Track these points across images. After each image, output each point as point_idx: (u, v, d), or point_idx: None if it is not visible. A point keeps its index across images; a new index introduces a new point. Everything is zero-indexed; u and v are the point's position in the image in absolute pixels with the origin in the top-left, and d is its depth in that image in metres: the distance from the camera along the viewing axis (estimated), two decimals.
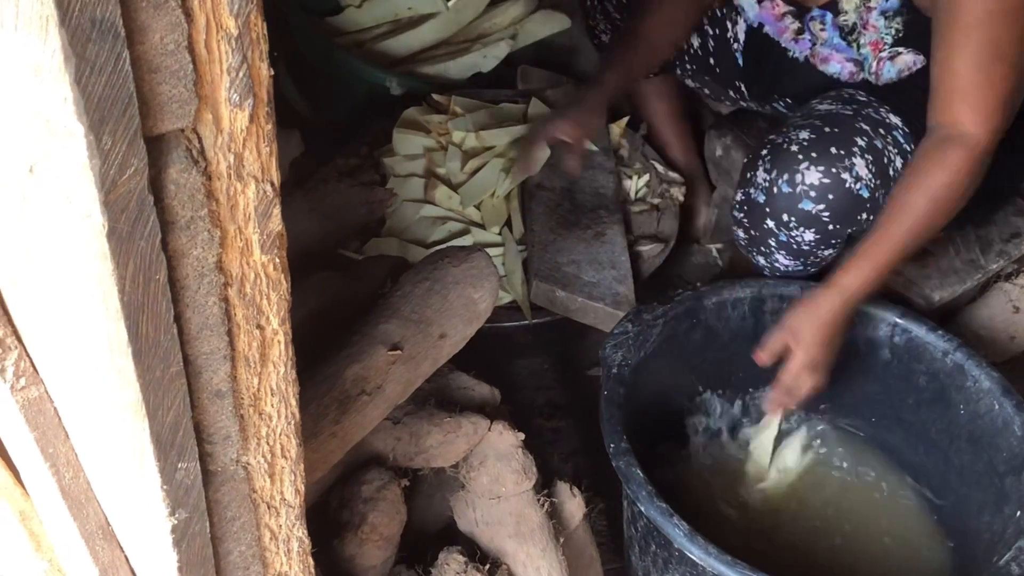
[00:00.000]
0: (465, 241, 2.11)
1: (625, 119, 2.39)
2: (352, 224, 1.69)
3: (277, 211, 0.80)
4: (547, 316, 2.06)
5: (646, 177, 2.31)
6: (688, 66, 2.18)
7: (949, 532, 1.81)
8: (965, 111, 1.62)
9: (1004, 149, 1.93)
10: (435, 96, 2.35)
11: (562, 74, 2.55)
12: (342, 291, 1.51)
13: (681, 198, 2.31)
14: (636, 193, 2.30)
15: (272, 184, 0.78)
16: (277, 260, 0.82)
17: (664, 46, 2.10)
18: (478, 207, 2.17)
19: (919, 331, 1.80)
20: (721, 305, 1.85)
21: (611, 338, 1.76)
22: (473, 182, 2.17)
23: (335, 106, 2.43)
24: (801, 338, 1.70)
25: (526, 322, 2.05)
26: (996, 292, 2.14)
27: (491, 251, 2.09)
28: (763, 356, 1.74)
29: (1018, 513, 1.59)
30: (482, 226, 2.14)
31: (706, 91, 2.26)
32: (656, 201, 2.29)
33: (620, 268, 2.08)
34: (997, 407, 1.70)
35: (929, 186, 1.64)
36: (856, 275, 1.68)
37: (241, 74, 0.72)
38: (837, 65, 1.92)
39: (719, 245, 2.39)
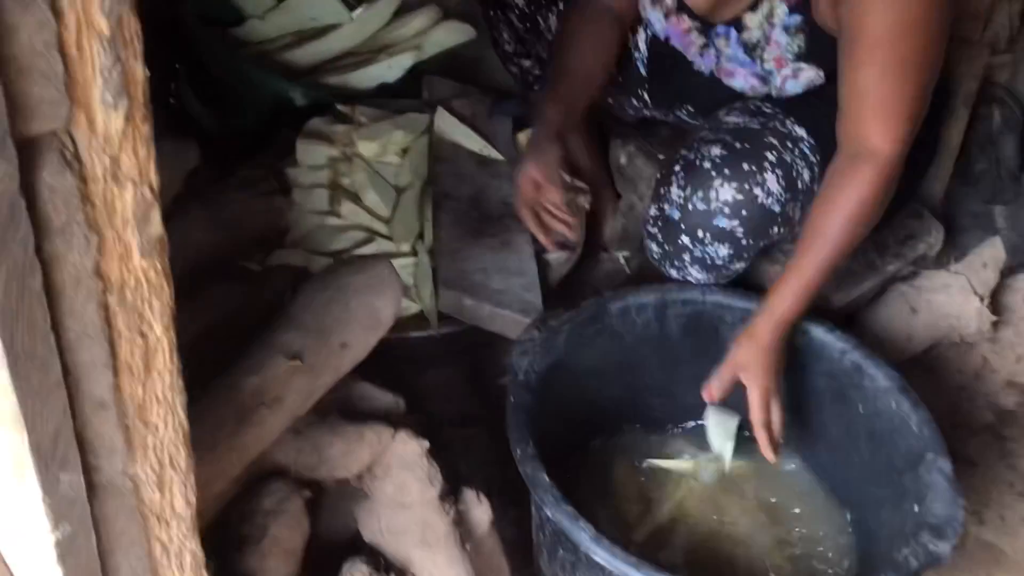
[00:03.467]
0: (369, 249, 2.09)
1: (531, 129, 2.40)
2: (252, 235, 1.67)
3: (157, 215, 0.79)
4: (455, 326, 2.05)
5: None
6: None
7: (852, 529, 1.84)
8: (874, 127, 1.65)
9: (914, 155, 1.98)
10: (340, 107, 2.33)
11: (468, 84, 2.55)
12: (242, 302, 1.49)
13: (587, 206, 2.32)
14: None
15: (151, 187, 0.77)
16: (158, 265, 0.81)
17: (597, 73, 2.12)
18: (387, 222, 2.16)
19: (818, 332, 1.83)
20: (626, 310, 1.86)
21: (518, 345, 1.76)
22: (400, 218, 2.15)
23: (238, 118, 2.40)
24: (750, 371, 1.72)
25: (434, 332, 2.04)
26: (894, 294, 2.19)
27: (399, 261, 2.08)
28: (713, 392, 1.75)
29: (916, 508, 1.63)
30: (387, 237, 2.13)
31: (609, 100, 2.28)
32: None
33: (528, 276, 2.09)
34: (895, 405, 1.74)
35: (844, 205, 1.67)
36: (788, 300, 1.71)
37: (114, 75, 0.71)
38: (742, 80, 1.95)
39: (626, 252, 2.41)
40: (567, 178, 2.29)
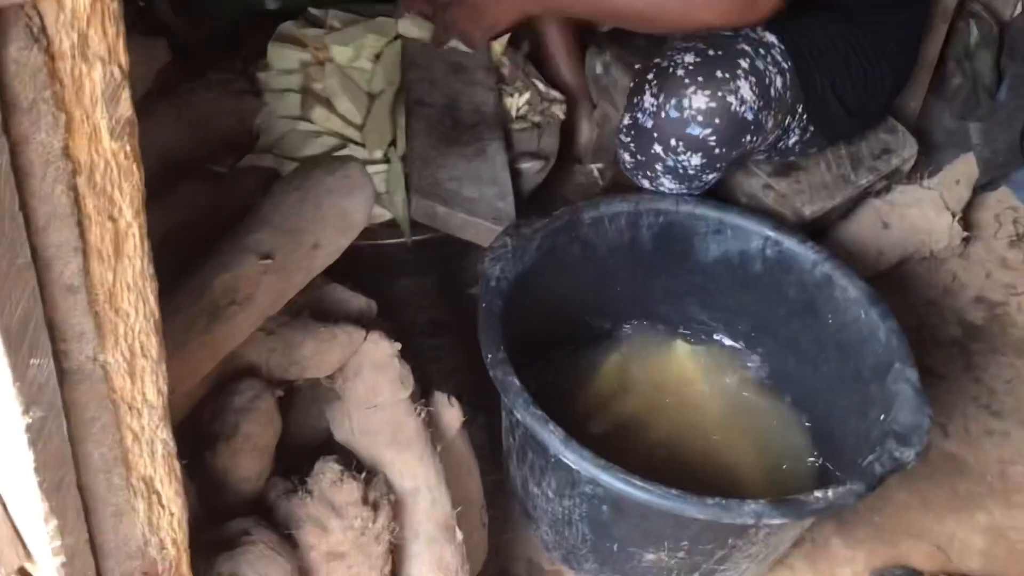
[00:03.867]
0: (342, 155, 2.07)
1: (506, 36, 2.37)
2: (221, 134, 1.65)
3: (126, 95, 0.77)
4: (428, 234, 2.05)
5: (527, 95, 2.30)
6: None
7: (818, 439, 1.87)
8: None
9: (879, 70, 1.98)
10: (312, 10, 2.30)
11: None
12: (211, 202, 1.48)
13: (562, 116, 2.30)
14: (517, 111, 2.29)
15: (120, 67, 0.76)
16: (128, 148, 0.80)
17: None
18: (359, 128, 2.14)
19: (789, 243, 1.84)
20: (599, 220, 1.86)
21: (490, 252, 1.76)
22: (373, 125, 2.13)
23: (208, 21, 2.36)
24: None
25: (406, 240, 2.04)
26: (866, 208, 2.19)
27: (372, 168, 2.07)
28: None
29: (882, 416, 1.65)
30: (360, 144, 2.11)
31: None
32: (537, 119, 2.29)
33: (501, 185, 2.07)
34: (863, 315, 1.75)
35: None
36: None
37: None
38: None
39: (600, 165, 2.40)
40: (541, 86, 2.27)
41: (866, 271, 2.09)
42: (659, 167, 1.86)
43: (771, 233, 1.85)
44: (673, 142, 1.80)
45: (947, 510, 1.94)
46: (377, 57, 2.23)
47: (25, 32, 0.70)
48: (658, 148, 1.82)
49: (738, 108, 1.76)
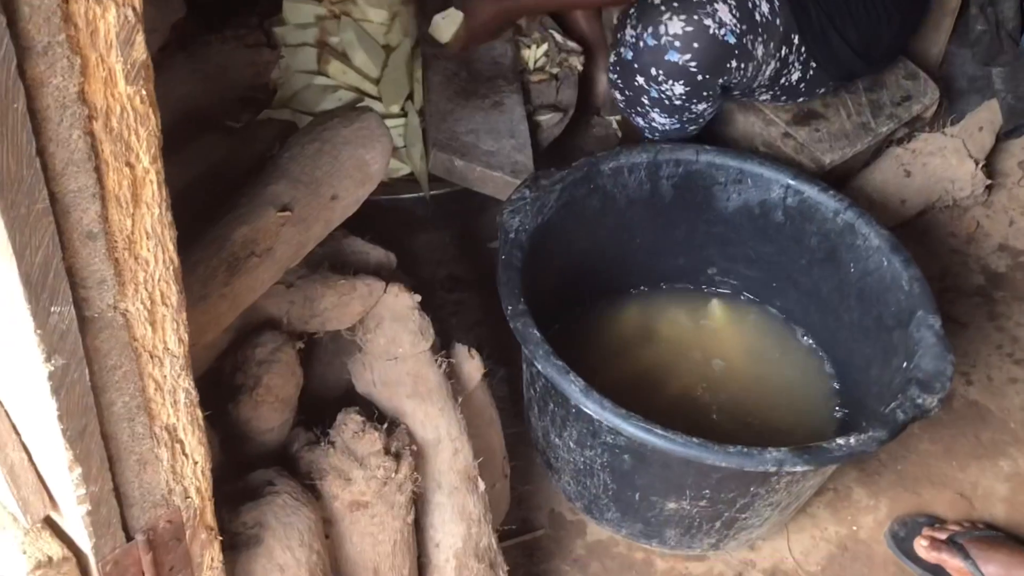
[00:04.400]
0: None
1: None
2: (238, 87, 1.64)
3: (140, 39, 0.76)
4: (446, 187, 2.04)
5: (544, 47, 2.28)
6: None
7: (841, 388, 1.86)
8: None
9: (883, 9, 1.94)
10: None
11: None
12: (230, 154, 1.47)
13: (580, 67, 2.29)
14: (535, 63, 2.28)
15: (134, 9, 0.75)
16: (144, 93, 0.79)
17: None
18: (376, 82, 2.13)
19: (811, 192, 1.82)
20: (618, 170, 1.85)
21: (509, 204, 1.75)
22: (389, 79, 2.12)
23: None
24: (475, 14, 2.07)
25: (424, 194, 2.03)
26: (888, 156, 2.17)
27: (389, 122, 2.06)
28: None
29: (905, 364, 1.64)
30: (377, 98, 2.10)
31: None
32: (555, 71, 2.27)
33: (519, 137, 2.07)
34: (886, 263, 1.74)
35: None
36: None
37: None
38: None
39: (618, 117, 2.38)
40: (558, 38, 2.25)
41: (888, 220, 2.08)
42: (645, 100, 1.86)
43: (791, 182, 1.84)
44: (653, 71, 1.80)
45: (970, 458, 1.93)
46: (394, 15, 2.21)
47: None
48: (640, 79, 1.82)
49: (717, 31, 1.76)
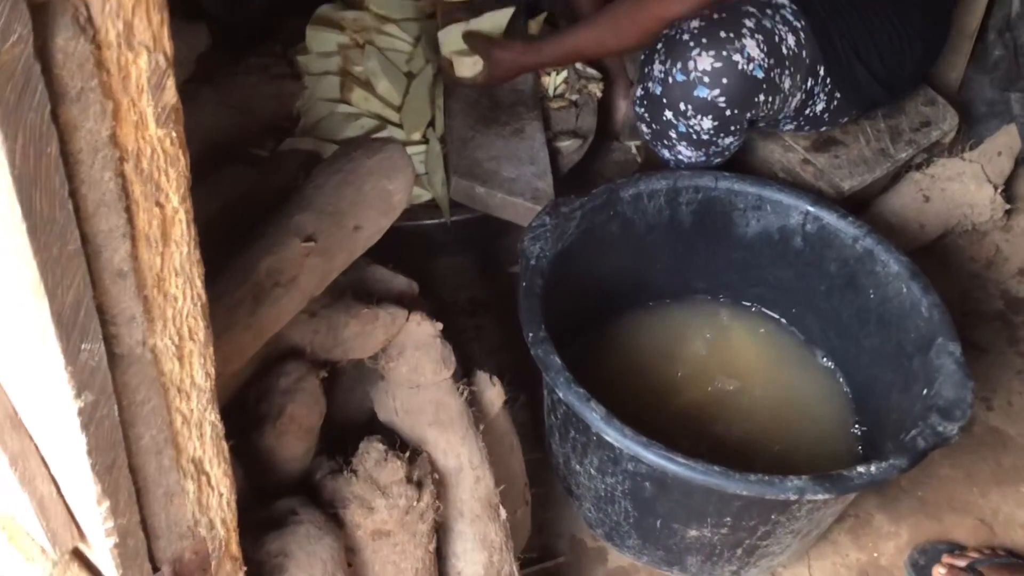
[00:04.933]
0: (380, 137, 2.08)
1: (543, 15, 2.37)
2: (263, 118, 1.67)
3: (171, 83, 0.78)
4: (467, 213, 2.06)
5: (564, 73, 2.30)
6: None
7: (860, 414, 1.87)
8: None
9: (906, 37, 1.96)
10: None
11: None
12: (255, 185, 1.49)
13: (599, 94, 2.30)
14: (554, 89, 2.29)
15: (165, 55, 0.77)
16: (174, 135, 0.81)
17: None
18: (398, 109, 2.15)
19: (830, 218, 1.83)
20: (638, 197, 1.86)
21: (529, 231, 1.76)
22: (411, 106, 2.14)
23: (248, 5, 2.37)
24: (497, 63, 2.06)
25: (446, 220, 2.05)
26: (907, 182, 2.18)
27: (410, 149, 2.08)
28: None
29: (925, 391, 1.64)
30: (399, 125, 2.12)
31: None
32: (574, 97, 2.29)
33: (539, 164, 2.08)
34: (905, 290, 1.74)
35: (629, 9, 1.89)
36: (551, 50, 2.03)
37: None
38: None
39: (638, 142, 2.40)
40: (578, 65, 2.27)
41: (908, 245, 2.08)
42: (673, 134, 1.87)
43: (810, 208, 1.84)
44: (682, 106, 1.81)
45: (991, 484, 1.93)
46: (417, 38, 2.23)
47: (72, 22, 0.71)
48: (669, 114, 1.83)
49: (745, 66, 1.77)
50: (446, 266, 2.21)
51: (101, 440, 0.91)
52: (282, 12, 2.32)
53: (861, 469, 1.48)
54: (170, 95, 0.79)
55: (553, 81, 2.29)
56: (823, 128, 2.08)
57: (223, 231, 1.38)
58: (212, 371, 0.98)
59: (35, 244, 0.76)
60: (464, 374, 1.57)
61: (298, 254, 1.33)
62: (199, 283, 0.91)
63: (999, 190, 2.21)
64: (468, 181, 2.01)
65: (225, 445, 1.04)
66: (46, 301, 0.80)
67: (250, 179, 1.49)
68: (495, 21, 2.22)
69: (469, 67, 2.11)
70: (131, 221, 0.83)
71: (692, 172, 1.89)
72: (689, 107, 1.81)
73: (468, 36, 2.11)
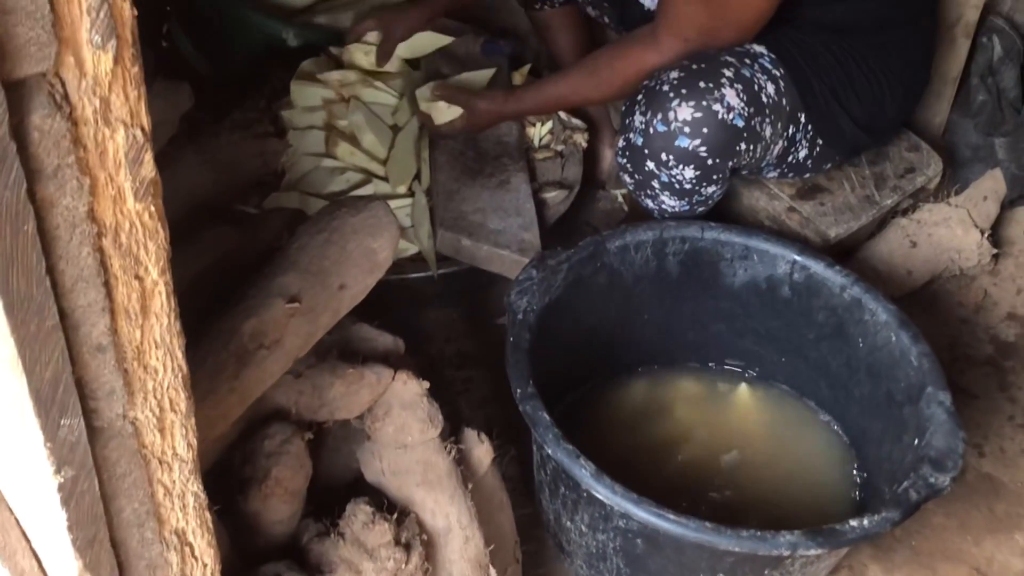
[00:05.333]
0: (366, 191, 2.08)
1: (527, 67, 2.38)
2: (247, 177, 1.66)
3: (149, 157, 0.78)
4: (454, 266, 2.05)
5: (549, 124, 2.31)
6: None
7: (860, 460, 1.85)
8: (665, 22, 1.85)
9: (886, 83, 1.97)
10: (333, 49, 2.31)
11: (465, 23, 2.52)
12: (239, 245, 1.48)
13: (584, 144, 2.31)
14: (539, 140, 2.30)
15: (142, 129, 0.76)
16: (153, 208, 0.80)
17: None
18: (384, 163, 2.15)
19: (817, 267, 1.83)
20: (624, 248, 1.85)
21: (516, 284, 1.76)
22: (396, 159, 2.14)
23: (232, 60, 2.38)
24: (475, 114, 2.10)
25: (432, 274, 2.04)
26: (893, 227, 2.18)
27: (396, 203, 2.08)
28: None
29: (916, 441, 1.63)
30: (384, 178, 2.12)
31: (605, 19, 2.26)
32: (559, 148, 2.29)
33: (525, 215, 2.08)
34: (894, 339, 1.74)
35: (619, 62, 1.92)
36: (531, 98, 2.08)
37: (102, 14, 0.70)
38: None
39: (624, 191, 2.40)
40: (563, 115, 2.28)
41: (895, 291, 2.08)
42: (655, 184, 1.87)
43: (797, 257, 1.84)
44: (664, 156, 1.81)
45: (985, 532, 1.91)
46: (401, 94, 2.24)
47: (48, 100, 0.71)
48: (651, 164, 1.84)
49: (725, 115, 1.77)
50: (433, 319, 2.20)
51: (82, 515, 0.90)
52: (266, 66, 2.33)
53: (854, 523, 1.47)
54: (148, 169, 0.78)
55: (538, 132, 2.29)
56: (807, 175, 2.09)
57: (206, 293, 1.37)
58: (194, 442, 0.97)
59: (12, 321, 0.76)
60: (452, 430, 1.56)
61: (282, 315, 1.32)
62: (180, 354, 0.90)
63: (986, 234, 2.21)
64: (454, 234, 2.00)
65: (209, 515, 1.03)
66: (24, 378, 0.79)
67: (233, 239, 1.48)
68: (477, 79, 2.23)
69: (445, 112, 2.11)
70: (110, 295, 0.82)
71: (679, 223, 1.89)
72: (671, 157, 1.81)
73: (443, 88, 2.12)
